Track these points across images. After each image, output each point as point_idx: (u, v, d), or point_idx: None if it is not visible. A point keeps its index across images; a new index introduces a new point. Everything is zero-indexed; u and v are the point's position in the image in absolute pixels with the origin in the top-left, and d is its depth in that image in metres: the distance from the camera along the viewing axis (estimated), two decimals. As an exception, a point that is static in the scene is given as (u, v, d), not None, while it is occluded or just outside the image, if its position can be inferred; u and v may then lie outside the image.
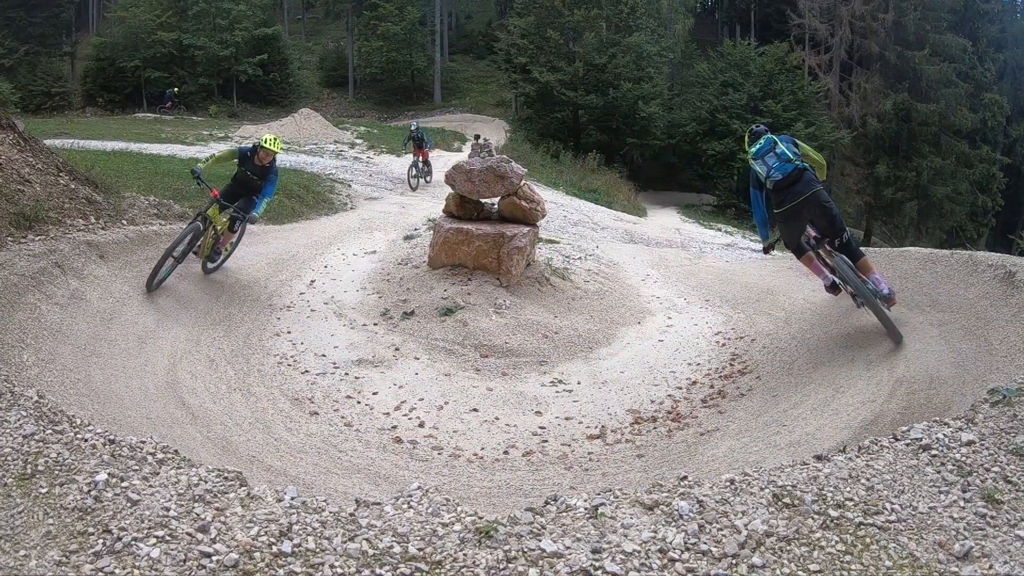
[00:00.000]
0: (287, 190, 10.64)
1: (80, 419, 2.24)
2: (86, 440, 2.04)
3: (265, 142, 6.00)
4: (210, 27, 30.97)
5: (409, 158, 15.26)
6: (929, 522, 1.66)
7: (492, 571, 1.50)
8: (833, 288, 4.95)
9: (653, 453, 4.00)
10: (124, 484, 1.77)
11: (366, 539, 1.60)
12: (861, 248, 4.87)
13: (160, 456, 2.00)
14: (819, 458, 2.03)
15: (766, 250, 5.32)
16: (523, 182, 7.28)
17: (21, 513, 1.64)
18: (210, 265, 6.14)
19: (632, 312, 6.85)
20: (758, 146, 4.84)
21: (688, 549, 1.57)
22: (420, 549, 1.56)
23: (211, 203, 5.85)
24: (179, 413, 3.97)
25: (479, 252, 6.79)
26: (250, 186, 6.03)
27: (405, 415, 4.50)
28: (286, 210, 9.38)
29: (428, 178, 15.04)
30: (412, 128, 15.79)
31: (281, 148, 6.19)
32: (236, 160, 6.10)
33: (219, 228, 5.92)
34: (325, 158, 16.91)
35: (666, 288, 7.86)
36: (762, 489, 1.78)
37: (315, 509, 1.73)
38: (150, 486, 1.79)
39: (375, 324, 6.07)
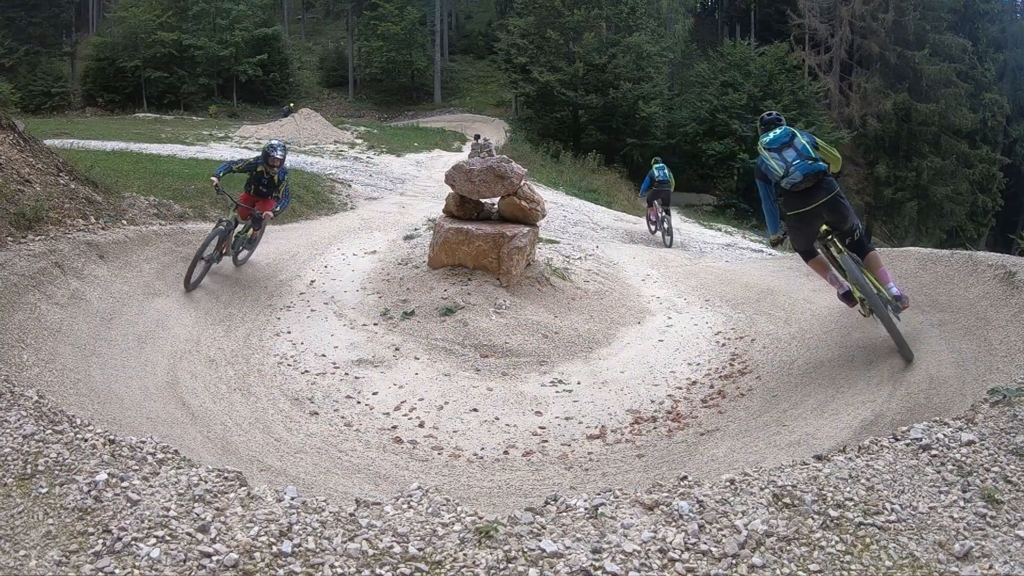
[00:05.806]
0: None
1: (80, 419, 2.23)
2: (86, 440, 2.04)
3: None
4: (210, 27, 31.02)
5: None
6: (929, 522, 1.66)
7: (492, 571, 1.49)
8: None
9: (653, 453, 4.00)
10: (124, 484, 1.77)
11: (366, 539, 1.60)
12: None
13: (160, 456, 2.00)
14: (819, 458, 2.03)
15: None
16: (523, 182, 7.28)
17: (21, 513, 1.64)
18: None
19: (632, 312, 6.85)
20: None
21: (688, 549, 1.57)
22: (420, 549, 1.56)
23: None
24: (179, 413, 3.97)
25: (479, 252, 6.79)
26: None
27: (405, 415, 4.50)
28: (286, 210, 9.38)
29: (241, 254, 6.64)
30: (272, 144, 6.66)
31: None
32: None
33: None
34: (325, 158, 16.89)
35: (666, 288, 7.86)
36: (762, 489, 1.78)
37: (315, 509, 1.73)
38: (150, 486, 1.79)
39: (375, 324, 6.07)
